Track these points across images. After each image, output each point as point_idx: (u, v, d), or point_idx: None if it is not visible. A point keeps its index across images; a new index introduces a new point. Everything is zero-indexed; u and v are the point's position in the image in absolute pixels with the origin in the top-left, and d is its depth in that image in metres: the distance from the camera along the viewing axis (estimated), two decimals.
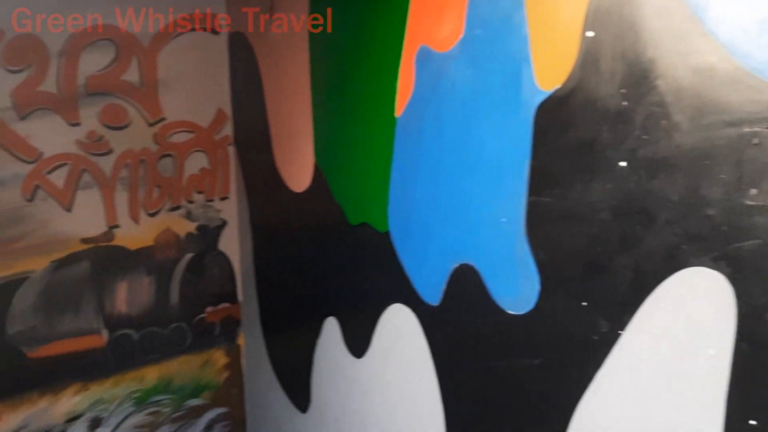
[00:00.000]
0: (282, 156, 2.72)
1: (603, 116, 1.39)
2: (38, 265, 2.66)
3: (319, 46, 2.38)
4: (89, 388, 2.83)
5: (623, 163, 1.36)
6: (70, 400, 2.78)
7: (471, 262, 1.78)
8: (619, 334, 1.41)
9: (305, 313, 2.70)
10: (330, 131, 2.39)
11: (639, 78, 1.32)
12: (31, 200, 2.59)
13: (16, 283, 2.62)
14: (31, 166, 2.58)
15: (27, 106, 2.52)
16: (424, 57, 1.86)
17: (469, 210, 1.77)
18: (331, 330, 2.52)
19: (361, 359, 2.35)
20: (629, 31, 1.33)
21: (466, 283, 1.80)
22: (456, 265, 1.84)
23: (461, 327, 1.86)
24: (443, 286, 1.90)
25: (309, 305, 2.67)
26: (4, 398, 2.62)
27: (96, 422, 2.86)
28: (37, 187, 2.60)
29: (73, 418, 2.80)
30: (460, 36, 1.73)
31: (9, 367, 2.61)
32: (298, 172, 2.60)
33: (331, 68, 2.32)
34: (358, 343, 2.37)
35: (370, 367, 2.31)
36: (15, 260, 2.61)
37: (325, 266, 2.53)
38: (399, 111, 1.99)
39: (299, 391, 2.77)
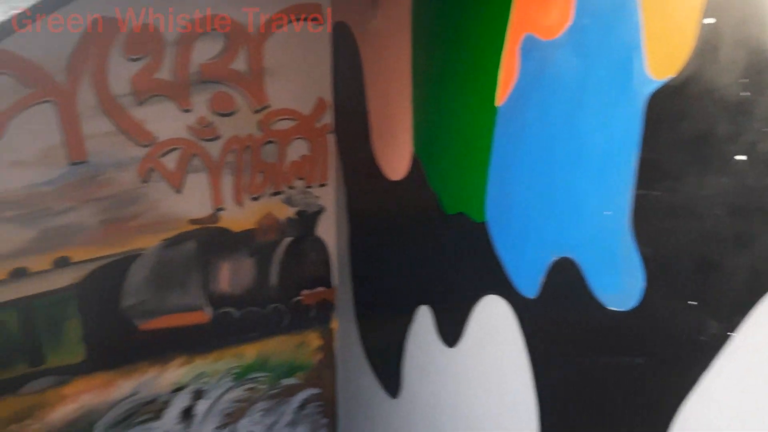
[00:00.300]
0: (380, 144, 2.75)
1: (721, 107, 1.32)
2: (150, 242, 2.83)
3: (421, 36, 2.38)
4: (193, 361, 2.99)
5: (742, 157, 1.29)
6: (176, 372, 2.95)
7: (571, 256, 1.74)
8: (729, 336, 1.34)
9: (398, 300, 2.73)
10: (429, 120, 2.39)
11: (762, 67, 1.25)
12: (145, 182, 2.76)
13: (130, 259, 2.79)
14: (146, 150, 2.73)
15: (144, 92, 2.67)
16: (530, 46, 1.83)
17: (571, 202, 1.73)
18: (424, 318, 2.53)
19: (453, 348, 2.36)
20: (753, 18, 1.26)
21: (565, 276, 1.77)
22: (555, 258, 1.80)
23: (559, 321, 1.82)
24: (541, 279, 1.87)
25: (402, 292, 2.70)
26: (118, 366, 2.82)
27: (199, 394, 3.02)
28: (152, 169, 2.76)
29: (178, 389, 2.96)
30: (568, 23, 1.69)
31: (122, 338, 2.80)
32: (396, 160, 2.63)
33: (432, 58, 2.32)
34: (451, 332, 2.37)
35: (463, 356, 2.31)
36: (130, 238, 2.78)
37: (420, 254, 2.54)
38: (500, 100, 1.97)
39: (390, 377, 2.81)
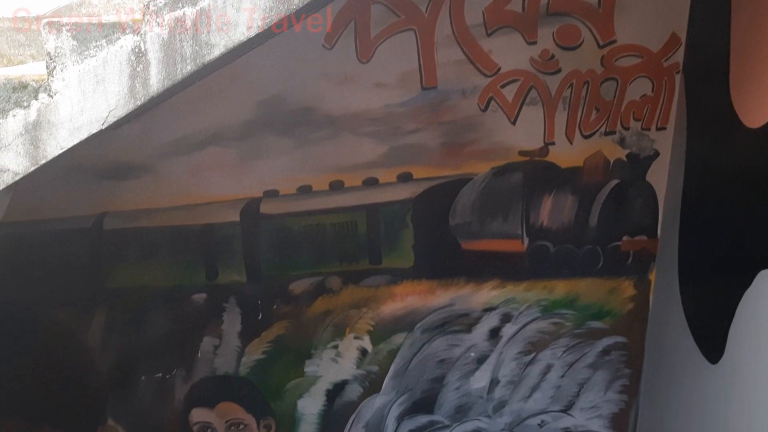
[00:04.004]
0: (739, 87, 2.48)
1: None
2: (480, 169, 2.99)
3: None
4: (505, 286, 3.13)
5: None
6: (488, 293, 3.13)
7: None
8: None
9: (734, 260, 2.49)
10: None
11: None
12: (484, 111, 2.90)
13: (462, 182, 2.99)
14: (489, 80, 2.86)
15: (494, 23, 2.77)
16: None
17: None
18: (765, 284, 2.28)
19: None
20: None
21: None
22: None
23: None
24: None
25: (740, 253, 2.46)
26: (440, 277, 3.08)
27: (506, 317, 3.17)
28: (491, 99, 2.88)
29: (488, 309, 3.14)
30: None
31: (448, 253, 3.04)
32: (757, 105, 2.35)
33: None
34: None
35: None
36: (464, 162, 2.97)
37: None
38: None
39: (712, 341, 2.61)
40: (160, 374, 3.05)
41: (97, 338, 2.97)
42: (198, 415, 3.13)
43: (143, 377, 3.04)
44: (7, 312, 2.84)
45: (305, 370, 3.13)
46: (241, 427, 3.17)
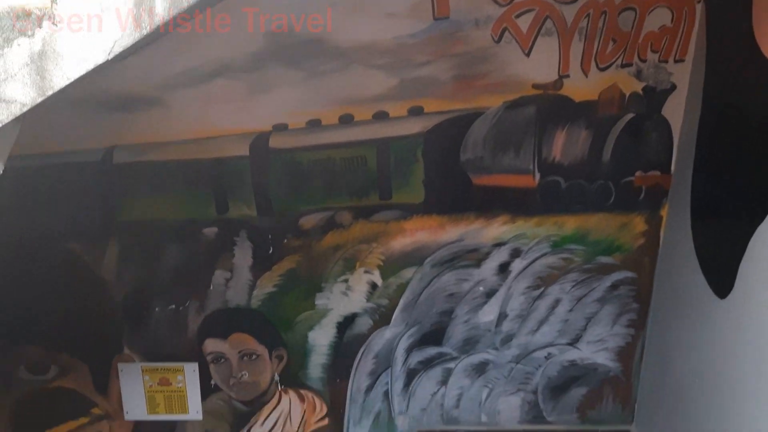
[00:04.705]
0: (762, 18, 2.39)
1: None
2: (493, 102, 2.93)
3: None
4: (516, 221, 3.12)
5: None
6: (498, 228, 3.13)
7: None
8: None
9: (748, 195, 2.47)
10: None
11: None
12: (497, 42, 2.82)
13: (473, 116, 2.94)
14: (503, 9, 2.77)
15: None
16: None
17: None
18: None
19: None
20: None
21: None
22: None
23: None
24: None
25: (755, 187, 2.43)
26: (450, 213, 3.08)
27: (516, 252, 3.17)
28: (505, 29, 2.80)
29: (498, 244, 3.15)
30: None
31: (458, 188, 3.03)
32: None
33: None
34: None
35: None
36: (475, 96, 2.91)
37: None
38: None
39: (722, 275, 2.61)
40: (173, 306, 3.11)
41: (111, 270, 3.01)
42: (211, 345, 3.21)
43: (157, 308, 3.11)
44: (22, 244, 2.88)
45: (316, 303, 3.17)
46: (254, 357, 3.25)
